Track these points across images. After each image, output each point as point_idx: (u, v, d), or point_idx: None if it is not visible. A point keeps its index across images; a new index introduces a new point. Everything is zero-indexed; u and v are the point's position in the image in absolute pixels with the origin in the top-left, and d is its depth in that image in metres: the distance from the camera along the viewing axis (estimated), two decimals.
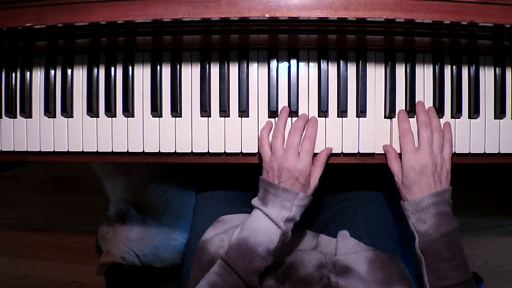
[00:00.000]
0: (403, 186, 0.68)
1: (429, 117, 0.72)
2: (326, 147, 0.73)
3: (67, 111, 0.76)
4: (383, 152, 0.74)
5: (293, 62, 0.75)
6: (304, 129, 0.71)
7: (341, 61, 0.74)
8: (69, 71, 0.76)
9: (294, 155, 0.67)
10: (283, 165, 0.67)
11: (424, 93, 0.74)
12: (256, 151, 0.75)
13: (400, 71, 0.74)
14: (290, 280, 0.67)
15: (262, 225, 0.65)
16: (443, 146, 0.69)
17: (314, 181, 0.70)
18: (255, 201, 0.69)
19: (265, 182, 0.68)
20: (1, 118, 0.78)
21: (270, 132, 0.72)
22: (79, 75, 0.77)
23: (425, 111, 0.72)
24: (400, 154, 0.71)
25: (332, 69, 0.74)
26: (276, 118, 0.74)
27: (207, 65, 0.74)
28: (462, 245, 0.64)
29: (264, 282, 0.66)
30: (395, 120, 0.74)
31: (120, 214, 1.19)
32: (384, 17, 0.62)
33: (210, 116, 0.75)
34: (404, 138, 0.70)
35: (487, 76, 0.74)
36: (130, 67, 0.76)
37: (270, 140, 0.71)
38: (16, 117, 0.77)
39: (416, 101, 0.73)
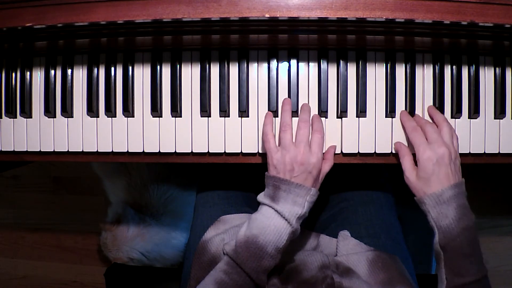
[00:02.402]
0: (419, 181, 0.65)
1: (431, 115, 0.72)
2: (328, 145, 0.74)
3: (67, 111, 0.76)
4: (383, 152, 0.74)
5: (293, 62, 0.75)
6: (309, 119, 0.71)
7: (341, 61, 0.74)
8: (69, 71, 0.76)
9: (306, 148, 0.66)
10: (297, 159, 0.65)
11: (424, 93, 0.74)
12: (256, 151, 0.75)
13: (400, 71, 0.74)
14: (293, 282, 0.66)
15: (273, 223, 0.64)
16: (452, 139, 0.68)
17: (322, 176, 0.70)
18: (262, 198, 0.67)
19: (275, 178, 0.66)
20: (1, 118, 0.78)
21: (273, 127, 0.72)
22: (79, 75, 0.77)
23: (422, 118, 0.73)
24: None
25: (332, 69, 0.74)
26: (276, 118, 0.74)
27: (207, 65, 0.74)
28: (479, 240, 0.63)
29: (268, 281, 0.66)
30: (395, 120, 0.74)
31: (116, 216, 1.19)
32: (384, 17, 0.62)
33: (210, 116, 0.75)
34: (414, 133, 0.68)
35: (487, 76, 0.74)
36: (130, 67, 0.76)
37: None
38: (16, 117, 0.77)
39: (415, 114, 0.73)
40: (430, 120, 0.72)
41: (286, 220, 0.64)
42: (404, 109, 0.74)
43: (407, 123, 0.71)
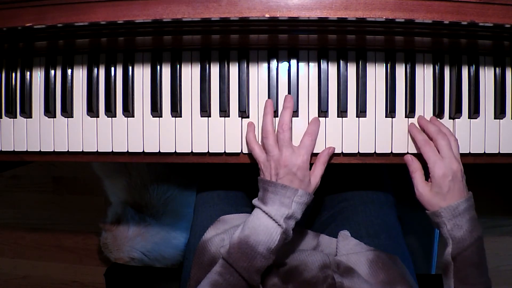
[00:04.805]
0: (435, 196, 0.66)
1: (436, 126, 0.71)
2: (328, 146, 0.73)
3: (67, 111, 0.76)
4: (383, 152, 0.74)
5: (293, 62, 0.75)
6: (291, 120, 0.71)
7: (341, 61, 0.74)
8: (69, 71, 0.76)
9: (288, 151, 0.67)
10: (280, 162, 0.67)
11: (424, 93, 0.74)
12: None
13: (400, 71, 0.74)
14: (294, 282, 0.67)
15: (262, 224, 0.65)
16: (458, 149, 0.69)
17: (315, 179, 0.70)
18: (255, 201, 0.69)
19: (263, 181, 0.68)
20: (1, 118, 0.78)
21: (255, 133, 0.73)
22: (79, 75, 0.77)
23: (430, 122, 0.72)
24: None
25: (332, 69, 0.74)
26: (276, 118, 0.74)
27: (207, 65, 0.74)
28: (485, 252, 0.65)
29: (268, 280, 0.66)
30: (395, 120, 0.74)
31: (116, 217, 1.19)
32: (384, 17, 0.62)
33: (210, 116, 0.75)
34: (426, 147, 0.68)
35: (487, 76, 0.74)
36: (130, 67, 0.76)
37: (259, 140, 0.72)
38: (16, 117, 0.77)
39: (417, 117, 0.73)
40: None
41: (274, 220, 0.65)
42: (404, 109, 0.74)
43: (418, 136, 0.70)
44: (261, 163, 0.70)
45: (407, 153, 0.73)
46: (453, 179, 0.65)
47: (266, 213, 0.65)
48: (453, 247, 0.64)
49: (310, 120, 0.74)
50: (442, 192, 0.65)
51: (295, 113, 0.74)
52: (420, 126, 0.72)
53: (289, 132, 0.69)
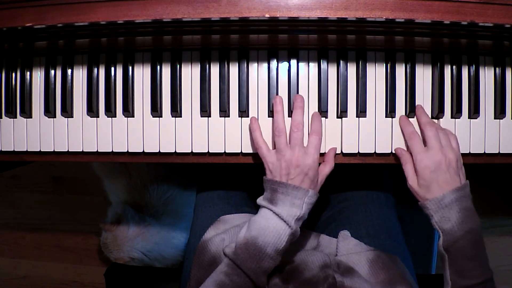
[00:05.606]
0: (420, 188, 0.66)
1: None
2: (329, 147, 0.74)
3: (67, 111, 0.76)
4: (383, 152, 0.74)
5: (293, 62, 0.75)
6: (303, 120, 0.70)
7: (341, 61, 0.74)
8: (69, 71, 0.76)
9: (301, 151, 0.67)
10: (292, 162, 0.66)
11: (424, 93, 0.74)
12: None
13: (400, 71, 0.74)
14: (295, 282, 0.66)
15: (271, 225, 0.64)
16: (450, 140, 0.69)
17: (322, 178, 0.70)
18: (261, 201, 0.68)
19: (272, 182, 0.67)
20: (1, 118, 0.78)
21: (261, 131, 0.72)
22: (79, 75, 0.77)
23: (426, 113, 0.72)
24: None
25: (332, 69, 0.74)
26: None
27: (207, 65, 0.74)
28: (484, 243, 0.63)
29: (269, 281, 0.66)
30: (395, 120, 0.74)
31: (116, 217, 1.19)
32: (384, 17, 0.62)
33: (210, 116, 0.75)
34: (412, 140, 0.69)
35: (487, 76, 0.74)
36: (130, 67, 0.76)
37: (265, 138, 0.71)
38: (16, 117, 0.77)
39: (416, 105, 0.73)
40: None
41: (285, 221, 0.64)
42: (404, 109, 0.74)
43: (405, 129, 0.71)
44: (269, 162, 0.68)
45: None
46: (436, 170, 0.65)
47: (277, 214, 0.64)
48: (443, 238, 0.63)
49: (310, 116, 0.73)
50: (426, 184, 0.65)
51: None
52: (416, 116, 0.73)
53: (302, 132, 0.69)
